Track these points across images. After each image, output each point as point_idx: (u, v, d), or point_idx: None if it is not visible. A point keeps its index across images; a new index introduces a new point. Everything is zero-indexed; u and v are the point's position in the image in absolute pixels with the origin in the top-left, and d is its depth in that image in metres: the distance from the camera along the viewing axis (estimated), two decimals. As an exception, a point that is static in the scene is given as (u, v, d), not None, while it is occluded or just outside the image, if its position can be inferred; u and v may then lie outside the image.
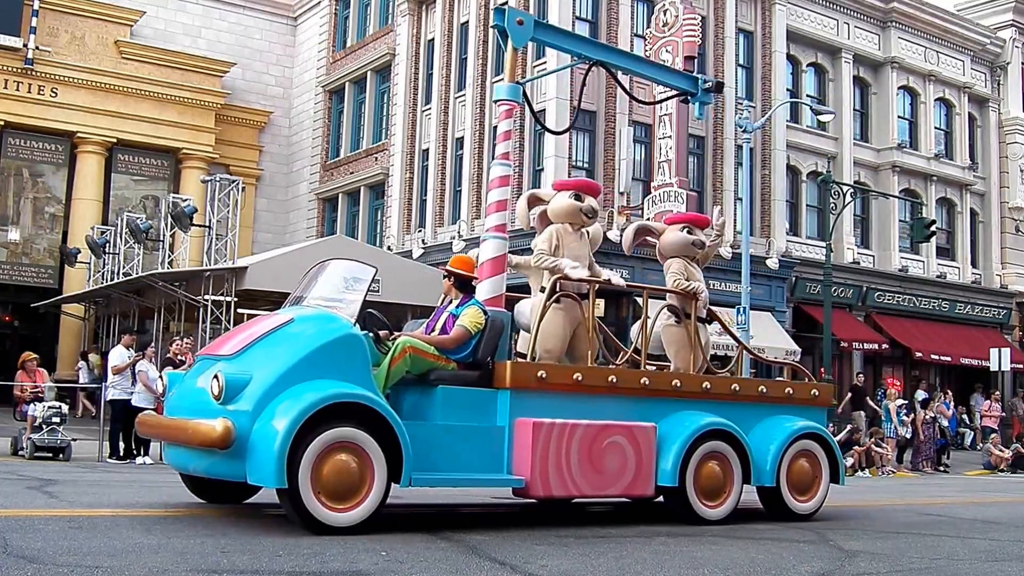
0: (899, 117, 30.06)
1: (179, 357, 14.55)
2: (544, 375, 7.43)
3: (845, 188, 25.34)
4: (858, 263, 28.21)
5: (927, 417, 22.47)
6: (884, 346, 27.78)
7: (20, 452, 14.21)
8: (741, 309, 20.91)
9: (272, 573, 4.94)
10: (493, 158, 8.45)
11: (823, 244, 24.79)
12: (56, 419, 14.01)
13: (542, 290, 8.01)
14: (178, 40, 32.12)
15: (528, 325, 8.01)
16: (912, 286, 29.31)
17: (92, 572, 4.70)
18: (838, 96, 28.66)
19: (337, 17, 33.19)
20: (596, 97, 23.40)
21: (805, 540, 7.29)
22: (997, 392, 26.91)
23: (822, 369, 23.59)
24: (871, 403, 23.28)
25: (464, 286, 7.68)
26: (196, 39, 32.72)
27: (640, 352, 8.35)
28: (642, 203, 23.17)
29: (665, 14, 22.82)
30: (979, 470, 22.39)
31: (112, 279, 24.31)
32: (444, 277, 7.76)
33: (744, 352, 9.91)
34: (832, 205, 25.14)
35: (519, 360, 7.77)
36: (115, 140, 29.79)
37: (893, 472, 20.81)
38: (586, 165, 23.46)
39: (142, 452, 14.46)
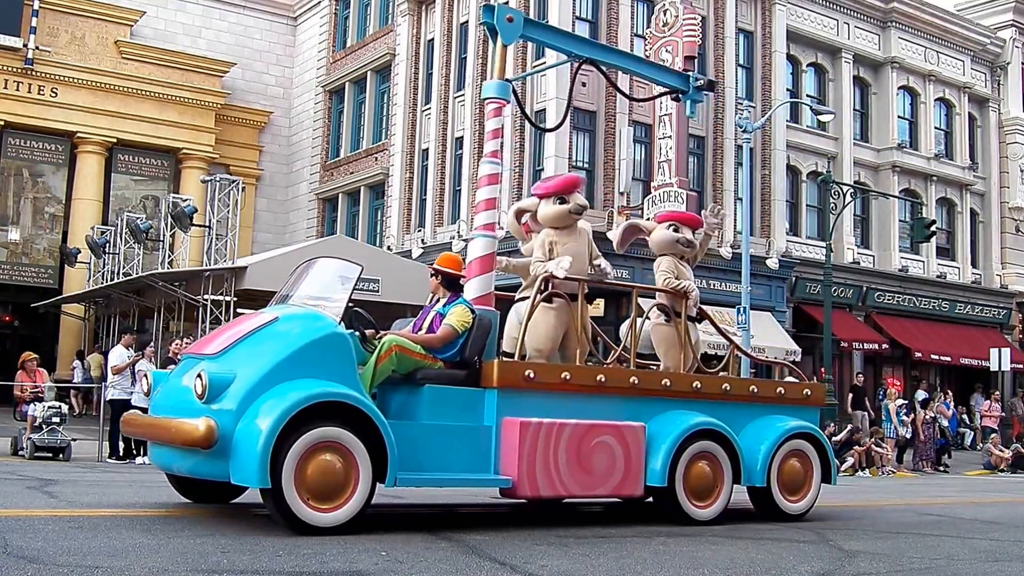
0: (899, 117, 30.02)
1: (179, 357, 14.51)
2: (532, 374, 7.38)
3: (845, 188, 25.29)
4: (858, 263, 28.16)
5: (927, 417, 22.42)
6: (884, 346, 27.73)
7: (20, 452, 14.23)
8: (741, 309, 20.91)
9: (272, 573, 4.93)
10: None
11: (823, 244, 24.75)
12: (56, 419, 14.02)
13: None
14: (178, 40, 32.17)
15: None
16: (912, 286, 29.25)
17: (92, 572, 4.69)
18: (838, 96, 28.61)
19: (337, 17, 33.19)
20: (596, 97, 23.34)
21: (805, 540, 7.27)
22: (997, 392, 26.87)
23: (822, 369, 23.56)
24: (867, 405, 23.30)
25: (452, 285, 7.63)
26: (196, 39, 32.75)
27: (629, 351, 8.31)
28: (642, 203, 23.13)
29: (665, 14, 22.77)
30: (979, 470, 22.34)
31: (112, 279, 24.34)
32: (431, 275, 7.71)
33: (738, 352, 9.86)
34: (832, 205, 25.09)
35: (506, 359, 7.74)
36: (115, 140, 29.84)
37: (893, 472, 20.77)
38: (586, 165, 23.43)
39: (142, 452, 14.40)
